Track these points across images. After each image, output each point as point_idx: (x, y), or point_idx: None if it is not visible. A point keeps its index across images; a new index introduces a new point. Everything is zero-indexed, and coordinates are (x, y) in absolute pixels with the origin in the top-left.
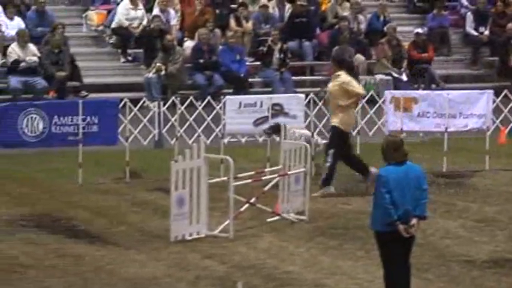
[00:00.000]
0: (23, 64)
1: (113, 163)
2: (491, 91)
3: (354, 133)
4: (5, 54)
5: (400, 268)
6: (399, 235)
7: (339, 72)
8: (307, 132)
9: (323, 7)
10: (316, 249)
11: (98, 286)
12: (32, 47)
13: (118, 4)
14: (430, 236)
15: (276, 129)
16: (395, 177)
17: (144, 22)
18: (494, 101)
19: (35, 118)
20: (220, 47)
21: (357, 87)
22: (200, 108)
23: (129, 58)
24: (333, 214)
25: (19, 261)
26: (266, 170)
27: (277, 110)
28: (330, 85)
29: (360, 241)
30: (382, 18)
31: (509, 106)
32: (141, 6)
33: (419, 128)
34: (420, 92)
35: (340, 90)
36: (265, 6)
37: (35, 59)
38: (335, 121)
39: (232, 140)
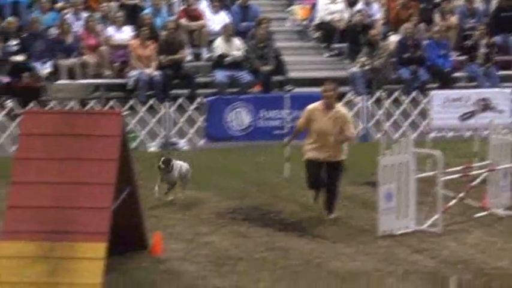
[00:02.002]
0: (228, 58)
1: None
2: None
3: None
4: (210, 49)
5: None
6: None
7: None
8: (186, 165)
9: None
10: None
11: (306, 279)
12: (236, 41)
13: None
14: None
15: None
16: None
17: (346, 15)
18: None
19: (242, 112)
20: (426, 42)
21: None
22: (406, 102)
23: (333, 52)
24: None
25: (230, 254)
26: (474, 165)
27: (484, 104)
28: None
29: None
30: None
31: None
32: None
33: None
34: None
35: None
36: (470, 1)
37: (240, 53)
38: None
39: (438, 134)
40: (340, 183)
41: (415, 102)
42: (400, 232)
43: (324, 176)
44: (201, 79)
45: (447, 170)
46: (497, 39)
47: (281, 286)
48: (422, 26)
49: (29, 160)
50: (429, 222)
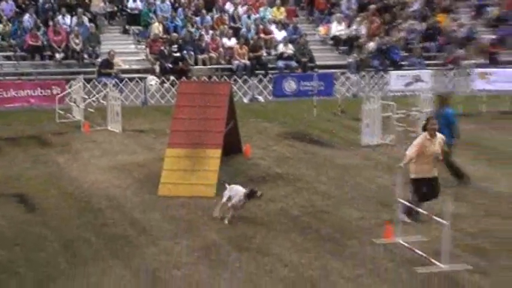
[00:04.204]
0: (285, 54)
1: None
2: None
3: None
4: (276, 49)
5: None
6: None
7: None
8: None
9: None
10: None
11: (324, 168)
12: (290, 45)
13: None
14: None
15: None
16: None
17: (346, 32)
18: None
19: (291, 82)
20: (389, 45)
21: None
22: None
23: (340, 51)
24: None
25: (285, 155)
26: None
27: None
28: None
29: None
30: None
31: None
32: None
33: None
34: None
35: None
36: (412, 23)
37: (291, 51)
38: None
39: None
40: None
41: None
42: (373, 144)
43: None
44: (270, 65)
45: (399, 111)
46: (426, 44)
47: (311, 172)
48: (386, 38)
49: (181, 107)
50: (388, 139)
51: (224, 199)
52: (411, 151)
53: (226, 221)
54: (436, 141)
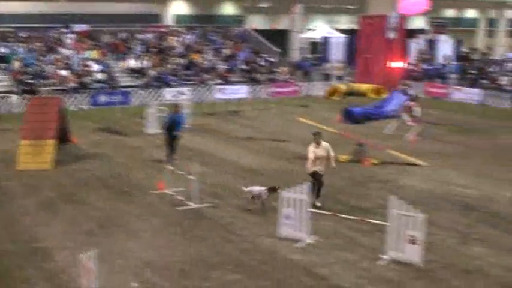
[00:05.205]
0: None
1: None
2: None
3: None
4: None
5: None
6: None
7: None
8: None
9: None
10: None
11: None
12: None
13: None
14: None
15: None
16: None
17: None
18: None
19: (101, 97)
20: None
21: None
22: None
23: None
24: None
25: (102, 144)
26: None
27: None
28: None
29: None
30: None
31: None
32: None
33: None
34: None
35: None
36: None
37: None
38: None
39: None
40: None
41: None
42: (152, 133)
43: None
44: (90, 86)
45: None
46: (186, 72)
47: (114, 151)
48: (162, 68)
49: (30, 113)
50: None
51: (249, 195)
52: (308, 156)
53: (258, 205)
54: (322, 147)
